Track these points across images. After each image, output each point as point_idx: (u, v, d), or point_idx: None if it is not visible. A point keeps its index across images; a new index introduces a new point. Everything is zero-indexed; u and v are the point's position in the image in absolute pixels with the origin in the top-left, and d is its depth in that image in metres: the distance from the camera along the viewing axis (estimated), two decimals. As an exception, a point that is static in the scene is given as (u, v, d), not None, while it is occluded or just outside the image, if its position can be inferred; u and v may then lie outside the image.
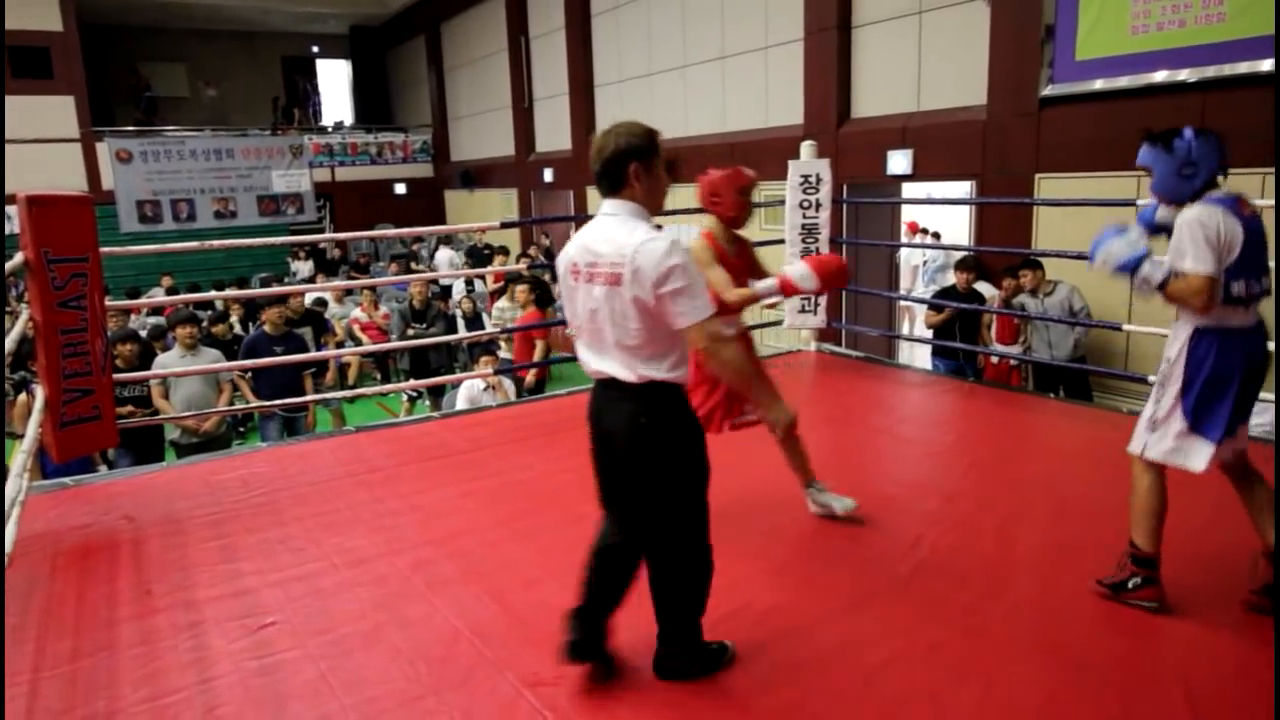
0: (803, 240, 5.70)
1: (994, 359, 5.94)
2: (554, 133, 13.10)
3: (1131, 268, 2.34)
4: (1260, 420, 4.23)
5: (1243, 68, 5.00)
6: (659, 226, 2.06)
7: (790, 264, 2.75)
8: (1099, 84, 5.76)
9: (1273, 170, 4.76)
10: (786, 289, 2.85)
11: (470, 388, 5.70)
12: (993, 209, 6.59)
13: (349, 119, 19.66)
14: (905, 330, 8.91)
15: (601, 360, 2.07)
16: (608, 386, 2.09)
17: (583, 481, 2.39)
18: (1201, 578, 2.65)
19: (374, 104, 19.62)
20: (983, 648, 2.35)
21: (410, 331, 7.59)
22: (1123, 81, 5.62)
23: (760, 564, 2.88)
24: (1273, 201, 4.08)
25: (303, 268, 13.94)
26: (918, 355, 7.53)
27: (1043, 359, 5.58)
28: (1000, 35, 6.38)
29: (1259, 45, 4.93)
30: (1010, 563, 2.82)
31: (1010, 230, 6.40)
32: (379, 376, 8.86)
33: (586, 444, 2.20)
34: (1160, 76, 5.42)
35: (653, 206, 2.07)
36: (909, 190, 7.77)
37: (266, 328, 5.89)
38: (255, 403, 5.72)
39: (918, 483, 3.63)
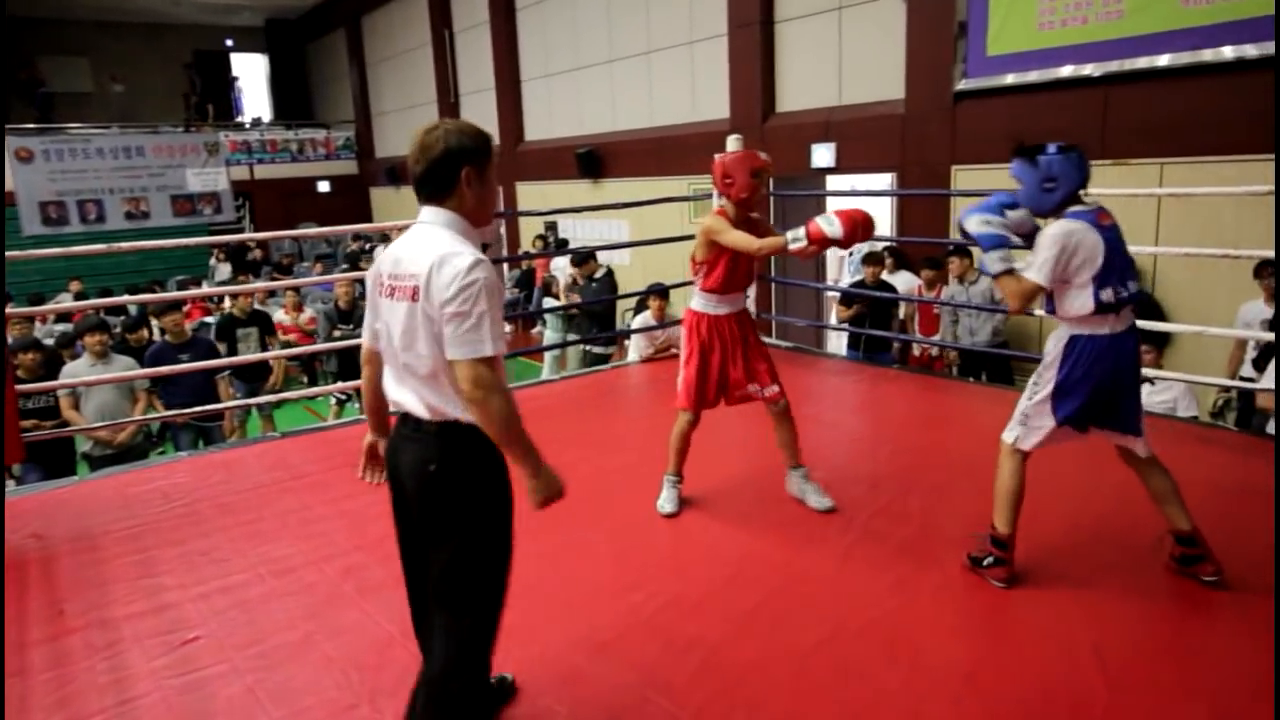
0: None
1: (915, 350, 6.12)
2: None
3: (986, 245, 2.50)
4: (1162, 398, 4.47)
5: (1141, 62, 5.26)
6: (485, 246, 1.89)
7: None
8: (1010, 78, 5.98)
9: (1168, 160, 5.03)
10: (814, 235, 2.74)
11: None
12: (913, 200, 6.78)
13: (267, 115, 19.04)
14: (833, 320, 9.09)
15: (400, 390, 1.78)
16: (404, 423, 1.80)
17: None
18: (1110, 553, 2.79)
19: (293, 99, 19.05)
20: (910, 626, 2.43)
21: (337, 333, 7.39)
22: (1032, 76, 5.84)
23: (689, 553, 2.92)
24: (1223, 189, 4.32)
25: (223, 269, 13.45)
26: (845, 344, 7.69)
27: (963, 345, 5.77)
28: (916, 31, 6.56)
29: (1155, 41, 5.20)
30: (935, 542, 2.91)
31: (929, 221, 6.60)
32: (306, 380, 8.62)
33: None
34: (1067, 71, 5.65)
35: (479, 219, 1.80)
36: (833, 183, 7.93)
37: (168, 336, 5.64)
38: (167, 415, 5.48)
39: (846, 468, 3.72)
